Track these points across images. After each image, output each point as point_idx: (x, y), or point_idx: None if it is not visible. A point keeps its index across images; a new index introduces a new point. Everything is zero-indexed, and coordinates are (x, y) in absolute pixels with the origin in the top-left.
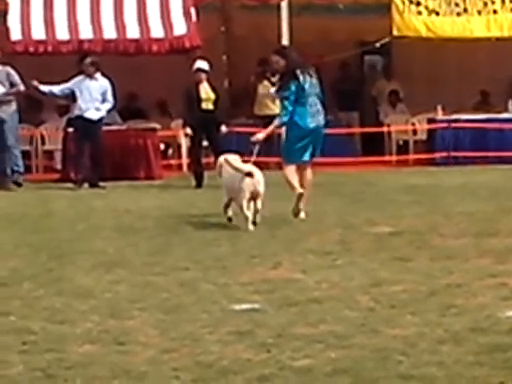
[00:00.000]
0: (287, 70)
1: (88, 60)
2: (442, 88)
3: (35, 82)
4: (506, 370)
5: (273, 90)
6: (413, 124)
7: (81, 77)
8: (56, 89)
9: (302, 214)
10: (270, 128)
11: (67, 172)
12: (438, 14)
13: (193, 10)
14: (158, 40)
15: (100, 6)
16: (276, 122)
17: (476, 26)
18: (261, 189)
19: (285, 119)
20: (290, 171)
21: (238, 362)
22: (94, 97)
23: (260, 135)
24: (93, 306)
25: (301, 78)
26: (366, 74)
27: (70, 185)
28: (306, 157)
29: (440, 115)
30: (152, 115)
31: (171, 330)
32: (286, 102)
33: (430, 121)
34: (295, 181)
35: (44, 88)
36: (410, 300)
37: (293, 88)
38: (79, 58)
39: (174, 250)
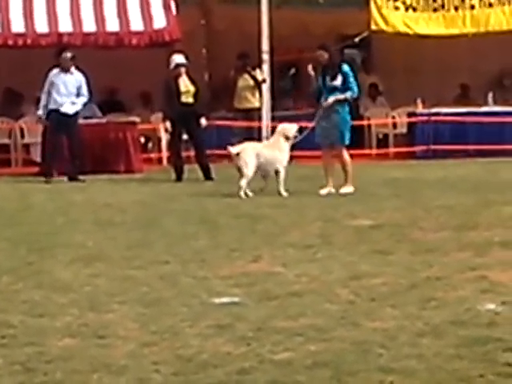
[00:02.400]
0: (332, 61)
1: (68, 55)
2: (422, 81)
3: (40, 119)
4: (486, 362)
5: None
6: (393, 117)
7: (55, 70)
8: (45, 98)
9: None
10: (342, 96)
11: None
12: (415, 9)
13: (172, 3)
14: (137, 33)
15: None
16: (348, 94)
17: (452, 22)
18: (240, 164)
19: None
20: (348, 157)
21: (217, 355)
22: (69, 91)
23: (331, 99)
24: (72, 299)
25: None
26: None
27: (43, 178)
28: None
29: (420, 109)
30: (133, 108)
31: (151, 323)
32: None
33: (410, 114)
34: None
35: (43, 108)
36: (389, 293)
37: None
38: (57, 51)
39: (153, 243)
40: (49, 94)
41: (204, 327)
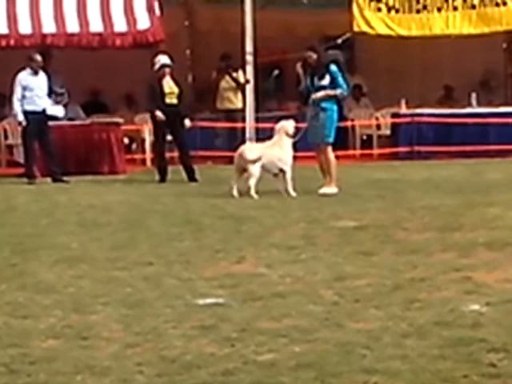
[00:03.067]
0: (321, 62)
1: (39, 57)
2: (406, 82)
3: (21, 123)
4: (470, 363)
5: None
6: (376, 118)
7: (25, 73)
8: (20, 103)
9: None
10: (332, 92)
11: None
12: (397, 11)
13: (156, 4)
14: (121, 34)
15: (63, 0)
16: (339, 91)
17: (434, 24)
18: (248, 165)
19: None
20: (334, 158)
21: (201, 356)
22: (44, 92)
23: (320, 93)
24: (56, 300)
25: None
26: None
27: (26, 179)
28: None
29: (404, 110)
30: (116, 109)
31: (135, 324)
32: (342, 79)
33: (394, 115)
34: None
35: (22, 113)
36: (374, 294)
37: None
38: (39, 52)
39: (137, 244)
40: (23, 96)
41: (188, 328)
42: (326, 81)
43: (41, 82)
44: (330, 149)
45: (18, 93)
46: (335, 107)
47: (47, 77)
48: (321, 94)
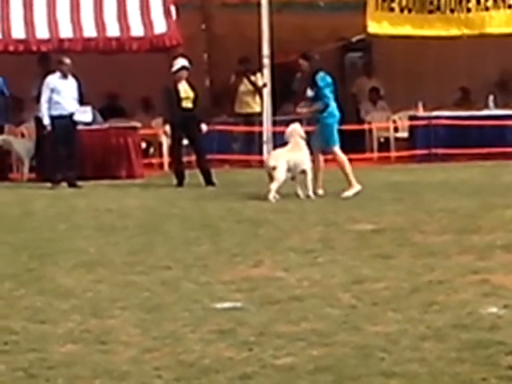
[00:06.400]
0: (311, 70)
1: (68, 60)
2: (423, 85)
3: (48, 128)
4: (488, 366)
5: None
6: (394, 121)
7: (55, 76)
8: (48, 106)
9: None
10: (313, 108)
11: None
12: (410, 10)
13: (173, 9)
14: (138, 38)
15: (80, 5)
16: (318, 105)
17: (447, 24)
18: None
19: (328, 102)
20: (343, 157)
21: (219, 360)
22: (73, 96)
23: (304, 109)
24: (74, 305)
25: (328, 77)
26: (347, 72)
27: (50, 184)
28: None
29: (421, 112)
30: (134, 113)
31: (153, 329)
32: (326, 90)
33: (411, 118)
34: (352, 175)
35: (49, 117)
36: (391, 297)
37: (328, 80)
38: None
39: (155, 249)
40: (50, 99)
41: (206, 332)
42: (313, 92)
43: (70, 85)
44: (335, 150)
45: (45, 95)
46: (330, 113)
47: (77, 82)
48: (301, 109)
